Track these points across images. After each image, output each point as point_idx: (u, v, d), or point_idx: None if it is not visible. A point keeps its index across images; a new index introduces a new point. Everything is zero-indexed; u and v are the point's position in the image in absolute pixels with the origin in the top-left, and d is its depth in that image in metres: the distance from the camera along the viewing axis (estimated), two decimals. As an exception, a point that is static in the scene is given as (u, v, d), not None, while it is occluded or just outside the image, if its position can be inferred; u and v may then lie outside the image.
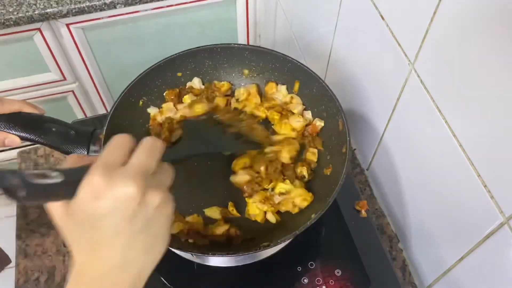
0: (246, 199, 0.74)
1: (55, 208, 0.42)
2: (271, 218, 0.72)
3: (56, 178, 0.39)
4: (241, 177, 0.75)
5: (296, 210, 0.73)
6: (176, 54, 0.82)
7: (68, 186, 0.40)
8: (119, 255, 0.41)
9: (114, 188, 0.39)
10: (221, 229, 0.71)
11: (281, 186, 0.73)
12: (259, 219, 0.72)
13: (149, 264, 0.43)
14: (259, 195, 0.73)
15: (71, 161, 0.45)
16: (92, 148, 0.71)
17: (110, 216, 0.39)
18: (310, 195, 0.73)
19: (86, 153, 0.71)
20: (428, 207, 0.73)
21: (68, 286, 0.42)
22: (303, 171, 0.76)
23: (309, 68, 0.80)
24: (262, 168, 0.75)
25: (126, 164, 0.41)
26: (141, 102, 0.83)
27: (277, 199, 0.73)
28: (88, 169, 0.41)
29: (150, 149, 0.43)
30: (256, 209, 0.72)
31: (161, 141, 0.45)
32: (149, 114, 0.83)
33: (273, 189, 0.74)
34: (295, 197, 0.73)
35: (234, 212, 0.73)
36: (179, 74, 0.85)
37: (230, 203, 0.74)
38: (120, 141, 0.43)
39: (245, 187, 0.75)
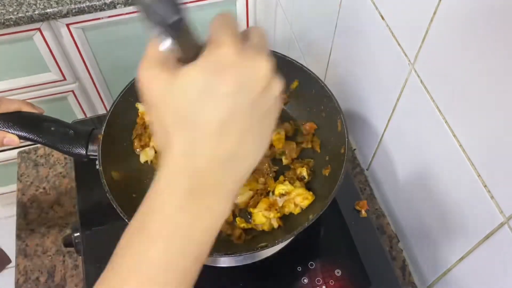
0: (251, 209, 0.73)
1: (155, 74, 0.34)
2: (274, 223, 0.72)
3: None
4: (244, 196, 0.75)
5: (298, 210, 0.73)
6: None
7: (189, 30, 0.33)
8: (232, 147, 0.34)
9: (247, 61, 0.32)
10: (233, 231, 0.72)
11: (281, 188, 0.73)
12: (266, 227, 0.72)
13: (252, 165, 0.36)
14: (263, 203, 0.73)
15: None
16: (91, 147, 0.71)
17: (235, 95, 0.32)
18: (310, 194, 0.73)
19: (84, 152, 0.71)
20: (428, 207, 0.73)
21: (159, 179, 0.35)
22: (302, 172, 0.76)
23: (308, 68, 0.80)
24: (262, 179, 0.75)
25: (251, 41, 0.35)
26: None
27: (280, 202, 0.73)
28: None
29: (263, 35, 0.36)
30: (262, 217, 0.72)
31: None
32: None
33: (273, 192, 0.74)
34: (295, 197, 0.73)
35: (244, 225, 0.73)
36: None
37: (238, 219, 0.73)
38: (231, 16, 0.36)
39: (250, 202, 0.74)
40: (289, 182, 0.75)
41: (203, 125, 0.33)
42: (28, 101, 1.29)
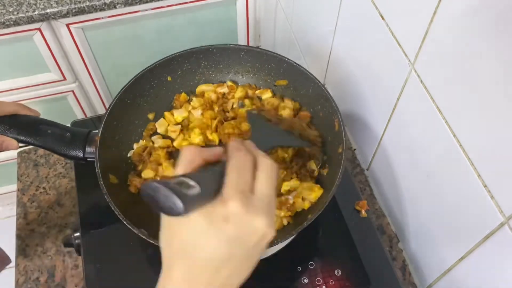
0: None
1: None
2: (284, 221, 0.72)
3: (195, 188, 0.37)
4: None
5: (307, 205, 0.73)
6: (171, 55, 0.82)
7: (203, 195, 0.38)
8: (221, 283, 0.40)
9: (249, 217, 0.39)
10: None
11: (286, 185, 0.73)
12: (277, 226, 0.72)
13: (238, 286, 0.43)
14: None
15: (188, 157, 0.42)
16: (88, 149, 0.71)
17: (232, 243, 0.39)
18: (318, 186, 0.73)
19: (82, 155, 0.70)
20: (428, 207, 0.73)
21: None
22: (311, 165, 0.76)
23: (304, 68, 0.80)
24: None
25: (256, 193, 0.41)
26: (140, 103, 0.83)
27: (290, 200, 0.73)
28: (214, 174, 0.40)
29: (272, 175, 0.42)
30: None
31: (276, 164, 0.44)
32: (146, 115, 0.84)
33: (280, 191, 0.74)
34: (302, 191, 0.72)
35: None
36: (169, 78, 0.85)
37: None
38: (245, 161, 0.42)
39: None
40: (297, 176, 0.75)
41: (203, 260, 0.39)
42: (27, 101, 1.29)
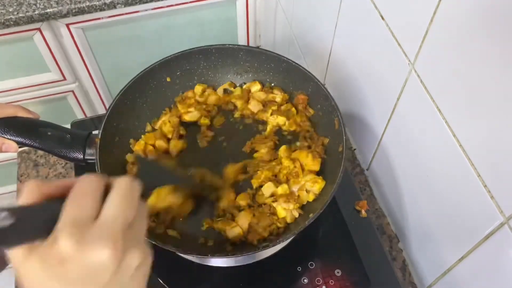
0: (274, 204, 0.73)
1: (14, 252, 0.35)
2: (295, 213, 0.72)
3: (5, 220, 0.32)
4: (268, 190, 0.74)
5: (312, 197, 0.73)
6: (170, 56, 0.82)
7: (22, 230, 0.33)
8: None
9: (86, 253, 0.32)
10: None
11: (285, 163, 0.75)
12: (289, 220, 0.72)
13: None
14: (282, 197, 0.73)
15: (28, 190, 0.36)
16: (88, 151, 0.71)
17: (82, 284, 0.33)
18: (320, 178, 0.73)
19: (82, 157, 0.70)
20: (428, 207, 0.73)
21: None
22: (325, 141, 0.78)
23: (304, 68, 0.80)
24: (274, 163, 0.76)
25: (99, 219, 0.34)
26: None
27: (296, 191, 0.73)
28: (46, 207, 0.35)
29: (126, 195, 0.36)
30: (282, 211, 0.72)
31: (138, 181, 0.38)
32: (147, 116, 0.84)
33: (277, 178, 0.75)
34: (305, 183, 0.73)
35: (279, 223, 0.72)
36: (168, 79, 0.85)
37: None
38: (88, 187, 0.36)
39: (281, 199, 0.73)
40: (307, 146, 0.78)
41: None
42: (27, 101, 1.29)
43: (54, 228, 0.34)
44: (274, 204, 0.72)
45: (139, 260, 0.35)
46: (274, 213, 0.72)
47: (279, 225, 0.71)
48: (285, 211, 0.71)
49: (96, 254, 0.33)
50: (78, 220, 0.34)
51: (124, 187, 0.36)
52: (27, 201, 0.36)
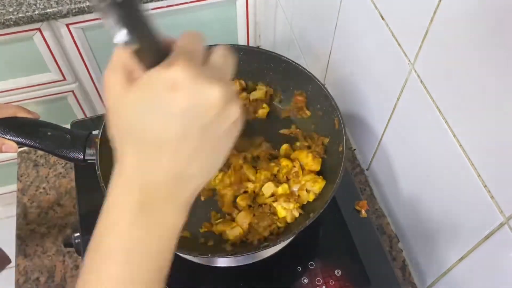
0: (274, 204, 0.73)
1: (114, 81, 0.34)
2: (295, 213, 0.72)
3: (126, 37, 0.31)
4: (269, 191, 0.74)
5: (312, 197, 0.73)
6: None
7: (143, 48, 0.32)
8: (182, 166, 0.34)
9: (198, 86, 0.32)
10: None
11: (284, 163, 0.75)
12: (289, 219, 0.72)
13: (204, 183, 0.37)
14: (282, 196, 0.73)
15: None
16: (88, 151, 0.71)
17: (184, 117, 0.32)
18: (320, 178, 0.73)
19: (82, 157, 0.70)
20: (428, 207, 0.73)
21: (111, 192, 0.36)
22: (324, 141, 0.78)
23: (303, 67, 0.79)
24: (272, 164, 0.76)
25: (210, 62, 0.34)
26: None
27: (296, 191, 0.73)
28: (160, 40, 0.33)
29: (227, 57, 0.36)
30: (283, 211, 0.72)
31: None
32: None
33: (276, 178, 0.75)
34: (305, 183, 0.73)
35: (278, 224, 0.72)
36: None
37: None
38: (199, 36, 0.36)
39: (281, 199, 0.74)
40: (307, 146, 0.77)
41: (152, 142, 0.33)
42: (27, 101, 1.29)
43: (162, 57, 0.33)
44: (274, 204, 0.72)
45: (236, 115, 0.34)
46: (274, 213, 0.72)
47: (279, 225, 0.71)
48: (285, 210, 0.71)
49: (208, 89, 0.32)
50: (192, 56, 0.33)
51: (225, 48, 0.36)
52: None
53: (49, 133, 0.70)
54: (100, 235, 0.37)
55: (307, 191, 0.73)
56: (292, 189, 0.73)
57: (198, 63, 0.34)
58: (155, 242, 0.36)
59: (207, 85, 0.32)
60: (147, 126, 0.33)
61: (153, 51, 0.33)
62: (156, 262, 0.37)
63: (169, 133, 0.32)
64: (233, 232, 0.70)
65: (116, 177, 0.36)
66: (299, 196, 0.73)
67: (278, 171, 0.75)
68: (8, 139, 0.67)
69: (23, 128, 0.68)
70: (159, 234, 0.36)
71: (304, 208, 0.73)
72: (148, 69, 0.33)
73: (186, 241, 0.70)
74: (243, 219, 0.71)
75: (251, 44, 1.48)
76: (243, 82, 0.86)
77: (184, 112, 0.32)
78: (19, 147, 0.68)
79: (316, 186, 0.72)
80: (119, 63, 0.35)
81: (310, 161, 0.75)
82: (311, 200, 0.73)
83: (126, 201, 0.35)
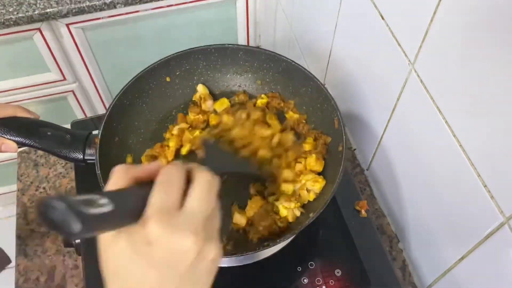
0: (276, 203, 0.73)
1: (104, 234, 0.38)
2: (297, 212, 0.72)
3: (106, 206, 0.34)
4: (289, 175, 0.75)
5: (312, 196, 0.73)
6: (169, 56, 0.82)
7: (118, 215, 0.35)
8: None
9: (172, 239, 0.35)
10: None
11: (287, 173, 0.74)
12: (290, 219, 0.72)
13: None
14: (284, 196, 0.73)
15: (114, 176, 0.39)
16: (88, 151, 0.71)
17: (161, 267, 0.36)
18: (320, 177, 0.73)
19: (81, 157, 0.70)
20: (428, 207, 0.73)
21: None
22: (325, 139, 0.78)
23: (303, 67, 0.80)
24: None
25: (184, 209, 0.37)
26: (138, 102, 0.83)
27: (297, 190, 0.73)
28: (136, 192, 0.37)
29: (208, 189, 0.39)
30: (284, 210, 0.72)
31: (217, 177, 0.41)
32: (146, 116, 0.83)
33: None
34: (306, 182, 0.73)
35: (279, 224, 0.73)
36: (168, 79, 0.85)
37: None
38: (173, 177, 0.39)
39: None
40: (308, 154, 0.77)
41: (134, 286, 0.36)
42: (27, 101, 1.29)
43: (143, 213, 0.36)
44: (276, 203, 0.72)
45: (214, 253, 0.38)
46: (276, 212, 0.72)
47: (280, 224, 0.71)
48: (287, 210, 0.72)
49: (181, 241, 0.35)
50: (165, 208, 0.36)
51: (206, 182, 0.39)
52: (117, 186, 0.38)
53: (48, 133, 0.70)
54: None
55: (308, 190, 0.73)
56: (294, 188, 0.74)
57: (173, 210, 0.37)
58: None
59: (179, 236, 0.35)
60: (129, 274, 0.36)
61: (129, 211, 0.37)
62: None
63: (149, 281, 0.36)
64: (239, 219, 0.72)
65: None
66: (299, 195, 0.73)
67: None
68: (8, 138, 0.67)
69: (23, 127, 0.68)
70: None
71: (305, 207, 0.73)
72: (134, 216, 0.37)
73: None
74: (251, 206, 0.72)
75: (251, 44, 1.48)
76: (246, 95, 0.87)
77: (160, 263, 0.36)
78: (18, 147, 0.68)
79: (316, 185, 0.72)
80: None
81: (313, 161, 0.75)
82: (311, 199, 0.73)
83: None
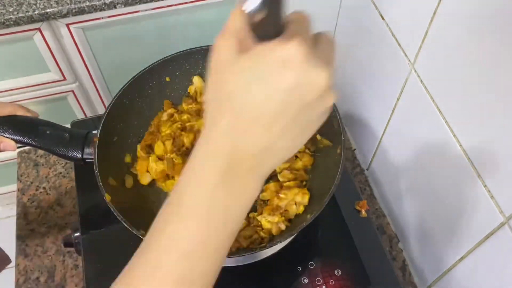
0: (258, 217, 0.73)
1: (226, 46, 0.35)
2: (282, 226, 0.72)
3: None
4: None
5: (302, 209, 0.73)
6: (169, 56, 0.82)
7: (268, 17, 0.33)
8: (272, 141, 0.35)
9: (310, 65, 0.32)
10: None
11: (270, 188, 0.74)
12: (274, 232, 0.71)
13: (284, 160, 0.37)
14: (266, 209, 0.72)
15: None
16: (87, 151, 0.71)
17: (288, 94, 0.33)
18: (305, 189, 0.73)
19: (80, 156, 0.71)
20: (428, 207, 0.73)
21: (197, 155, 0.36)
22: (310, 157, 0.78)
23: None
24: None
25: (318, 48, 0.34)
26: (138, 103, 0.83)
27: (282, 205, 0.73)
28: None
29: (332, 43, 0.36)
30: (267, 223, 0.71)
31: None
32: (146, 116, 0.83)
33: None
34: (294, 196, 0.73)
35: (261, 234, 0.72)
36: (168, 79, 0.85)
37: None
38: (309, 17, 0.36)
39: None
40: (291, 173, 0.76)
41: (250, 111, 0.33)
42: (27, 101, 1.29)
43: (277, 32, 0.33)
44: (259, 218, 0.72)
45: (331, 103, 0.35)
46: (259, 225, 0.72)
47: (263, 235, 0.71)
48: (270, 223, 0.71)
49: (316, 72, 0.33)
50: (305, 37, 0.34)
51: (329, 37, 0.36)
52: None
53: (47, 132, 0.70)
54: (180, 193, 0.37)
55: (297, 204, 0.73)
56: (279, 204, 0.73)
57: (311, 44, 0.34)
58: (234, 208, 0.36)
59: (316, 68, 0.33)
60: (249, 96, 0.33)
61: (274, 24, 0.34)
62: (230, 227, 0.37)
63: (270, 106, 0.33)
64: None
65: (202, 141, 0.36)
66: (286, 210, 0.73)
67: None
68: (6, 137, 0.67)
69: (22, 126, 0.68)
70: (239, 201, 0.36)
71: (297, 217, 0.73)
72: (261, 41, 0.34)
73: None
74: None
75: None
76: None
77: (289, 90, 0.33)
78: (18, 146, 0.68)
79: (305, 198, 0.72)
80: (233, 29, 0.35)
81: (299, 197, 0.73)
82: (301, 212, 0.73)
83: (212, 165, 0.35)
